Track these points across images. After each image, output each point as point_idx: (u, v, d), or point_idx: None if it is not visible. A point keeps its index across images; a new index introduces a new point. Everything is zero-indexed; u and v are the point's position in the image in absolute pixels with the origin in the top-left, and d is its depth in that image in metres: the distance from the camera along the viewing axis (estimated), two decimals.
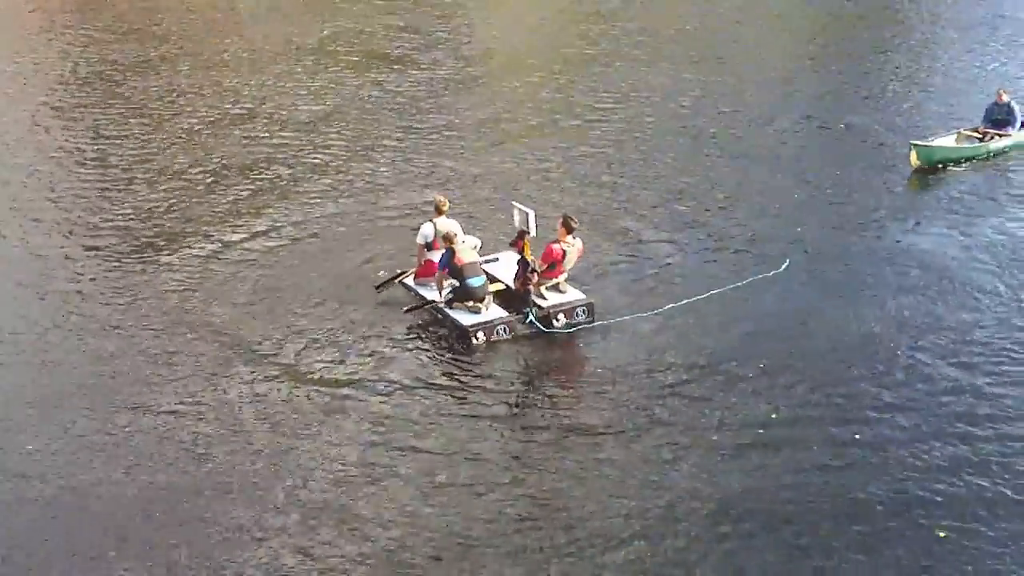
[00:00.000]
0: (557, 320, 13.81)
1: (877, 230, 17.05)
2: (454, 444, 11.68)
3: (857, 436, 11.66)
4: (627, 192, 18.84)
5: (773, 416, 12.05)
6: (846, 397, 12.42)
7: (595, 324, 13.97)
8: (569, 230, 13.98)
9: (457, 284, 13.96)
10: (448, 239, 13.95)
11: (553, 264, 14.03)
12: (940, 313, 14.21)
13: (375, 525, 10.46)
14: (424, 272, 14.73)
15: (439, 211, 14.68)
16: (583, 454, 11.47)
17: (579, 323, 13.90)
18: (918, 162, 18.96)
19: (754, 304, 14.61)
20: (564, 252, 13.98)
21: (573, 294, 14.17)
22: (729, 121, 22.60)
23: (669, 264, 15.95)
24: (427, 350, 13.66)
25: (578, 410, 12.34)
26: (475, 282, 13.93)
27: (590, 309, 13.97)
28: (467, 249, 14.01)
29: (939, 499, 10.61)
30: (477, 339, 13.53)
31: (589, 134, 21.95)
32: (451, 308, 14.00)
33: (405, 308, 14.35)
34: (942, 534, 10.17)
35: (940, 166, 19.20)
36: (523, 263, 14.04)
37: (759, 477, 11.03)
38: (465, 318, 13.75)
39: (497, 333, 13.62)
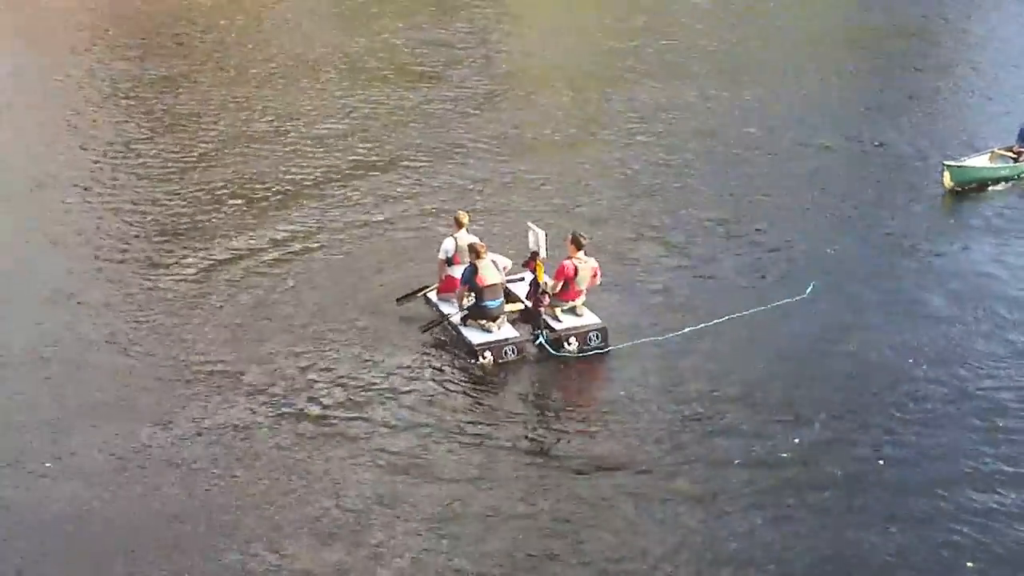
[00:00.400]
0: (569, 344, 13.51)
1: (908, 253, 16.64)
2: (466, 474, 11.35)
3: (881, 462, 11.34)
4: (650, 211, 18.49)
5: (795, 441, 11.70)
6: (869, 429, 12.00)
7: (609, 349, 13.63)
8: (579, 246, 13.73)
9: (474, 301, 13.73)
10: (476, 252, 13.64)
11: (566, 283, 13.74)
12: (970, 343, 13.75)
13: (384, 559, 10.14)
14: (446, 287, 14.51)
15: (459, 225, 14.52)
16: (599, 487, 11.08)
17: (592, 348, 13.58)
18: (951, 183, 18.50)
19: (779, 328, 14.22)
20: (576, 268, 13.67)
21: (589, 318, 13.86)
22: (758, 139, 22.21)
23: (691, 286, 15.59)
24: (440, 375, 13.31)
25: (594, 440, 11.95)
26: (491, 304, 13.71)
27: (603, 334, 13.64)
28: (490, 269, 13.71)
29: (966, 541, 10.20)
30: (484, 358, 13.29)
31: (613, 152, 21.63)
32: (464, 325, 13.79)
33: (421, 327, 14.11)
34: (970, 564, 9.84)
35: (975, 187, 18.72)
36: (535, 284, 13.81)
37: (777, 511, 10.65)
38: (475, 336, 13.51)
39: (505, 354, 13.37)
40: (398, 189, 19.80)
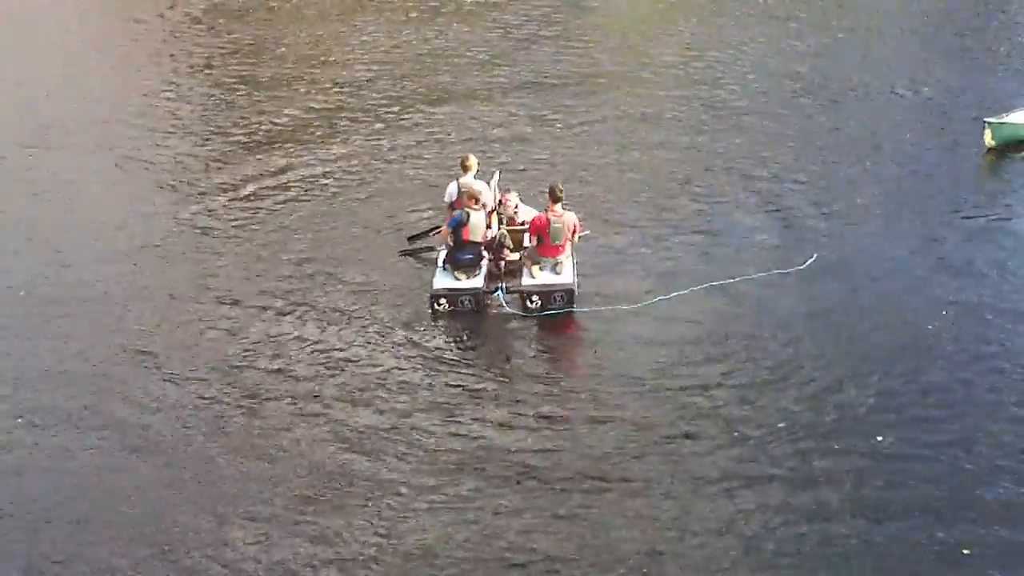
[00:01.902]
0: (532, 302, 13.10)
1: (942, 215, 15.43)
2: (437, 457, 10.63)
3: (880, 439, 10.59)
4: (675, 160, 17.69)
5: (781, 425, 10.87)
6: (872, 404, 11.16)
7: (573, 311, 13.05)
8: (555, 199, 13.25)
9: (452, 246, 13.54)
10: (473, 197, 13.36)
11: (540, 237, 13.26)
12: (1006, 312, 12.73)
13: (345, 541, 9.64)
14: None
15: (465, 169, 14.22)
16: (574, 483, 10.23)
17: (555, 308, 13.08)
18: (992, 142, 17.25)
19: (782, 293, 13.39)
20: (548, 221, 13.17)
21: (564, 277, 13.30)
22: (802, 86, 21.10)
23: (698, 245, 14.77)
24: (413, 342, 12.73)
25: (567, 425, 11.05)
26: (463, 257, 13.49)
27: (569, 296, 13.11)
28: (480, 226, 13.46)
29: (965, 515, 9.56)
30: (439, 305, 13.13)
31: (652, 98, 20.70)
32: (443, 268, 13.60)
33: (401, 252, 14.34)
34: (966, 551, 9.15)
35: (1018, 144, 17.39)
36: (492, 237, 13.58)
37: (763, 483, 10.05)
38: (438, 282, 13.42)
39: (461, 303, 13.19)
40: (416, 134, 19.33)
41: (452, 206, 14.16)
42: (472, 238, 13.40)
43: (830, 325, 12.65)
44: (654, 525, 9.59)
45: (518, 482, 10.21)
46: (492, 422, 11.09)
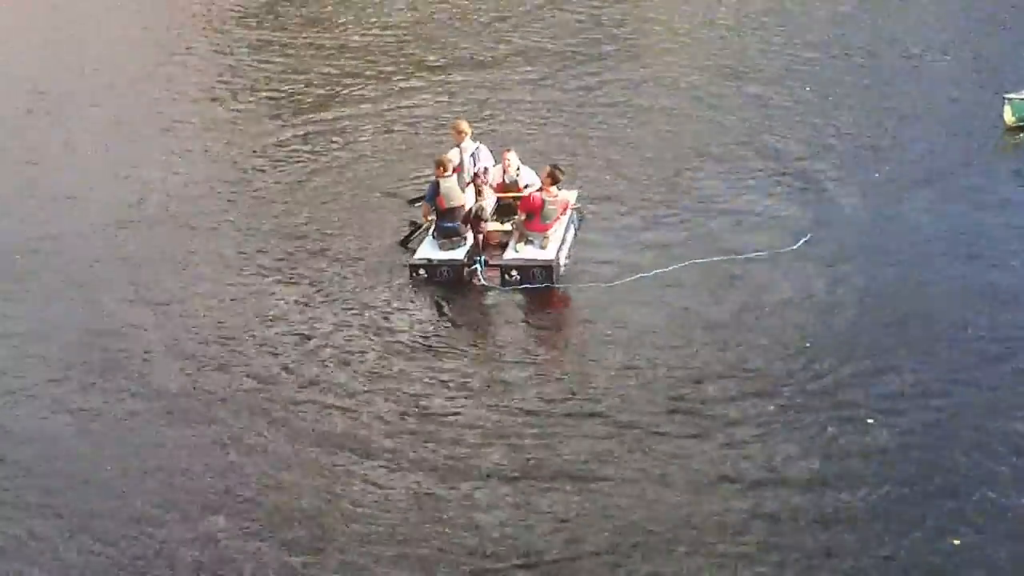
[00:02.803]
0: (510, 276, 12.98)
1: (954, 194, 14.77)
2: (406, 450, 10.25)
3: (871, 421, 10.16)
4: (685, 131, 17.26)
5: (771, 408, 10.44)
6: (870, 393, 10.68)
7: (552, 287, 12.84)
8: (554, 181, 13.13)
9: (435, 218, 13.47)
10: (443, 166, 13.26)
11: (531, 214, 13.11)
12: (1008, 300, 12.16)
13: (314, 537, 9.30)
14: None
15: (459, 135, 14.22)
16: (549, 478, 9.82)
17: (535, 283, 12.91)
18: (1012, 119, 16.54)
19: (779, 274, 12.86)
20: (543, 202, 13.03)
21: (548, 253, 13.08)
22: (830, 53, 20.51)
23: (697, 222, 14.29)
24: (390, 321, 12.45)
25: (544, 417, 10.61)
26: (446, 225, 13.37)
27: (548, 272, 12.92)
28: (454, 191, 13.34)
29: (955, 506, 9.16)
30: (417, 274, 13.17)
31: (666, 65, 20.24)
32: (433, 238, 13.54)
33: (399, 241, 14.03)
34: (956, 541, 8.77)
35: None
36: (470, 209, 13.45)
37: (754, 479, 9.60)
38: (423, 251, 13.47)
39: (440, 274, 13.14)
40: (419, 100, 19.08)
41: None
42: (450, 204, 13.29)
43: (828, 309, 12.16)
44: (639, 522, 9.20)
45: (488, 476, 9.87)
46: (466, 413, 10.73)
